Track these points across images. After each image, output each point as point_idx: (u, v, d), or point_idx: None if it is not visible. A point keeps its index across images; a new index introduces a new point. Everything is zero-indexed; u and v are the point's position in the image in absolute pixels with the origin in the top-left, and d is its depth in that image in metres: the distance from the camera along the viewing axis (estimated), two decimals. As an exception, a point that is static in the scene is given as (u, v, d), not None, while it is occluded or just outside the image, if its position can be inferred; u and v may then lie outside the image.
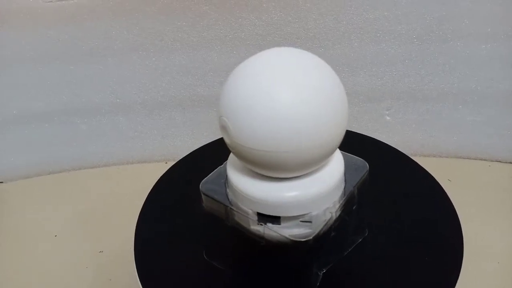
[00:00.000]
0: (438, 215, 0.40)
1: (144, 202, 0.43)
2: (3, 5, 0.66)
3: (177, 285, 0.35)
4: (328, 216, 0.31)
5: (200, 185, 0.33)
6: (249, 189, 0.30)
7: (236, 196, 0.32)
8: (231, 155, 0.34)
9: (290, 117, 0.27)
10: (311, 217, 0.30)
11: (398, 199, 0.42)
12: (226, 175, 0.34)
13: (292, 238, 0.30)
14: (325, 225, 0.30)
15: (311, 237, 0.29)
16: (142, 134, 0.77)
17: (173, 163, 0.49)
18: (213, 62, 0.71)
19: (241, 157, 0.30)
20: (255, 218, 0.31)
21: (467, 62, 0.68)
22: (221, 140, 0.52)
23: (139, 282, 0.35)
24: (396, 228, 0.39)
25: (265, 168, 0.30)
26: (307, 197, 0.30)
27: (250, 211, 0.31)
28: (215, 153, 0.51)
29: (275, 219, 0.30)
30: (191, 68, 0.72)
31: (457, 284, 0.34)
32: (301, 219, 0.30)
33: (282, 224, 0.30)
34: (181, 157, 0.50)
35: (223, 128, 0.29)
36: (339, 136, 0.29)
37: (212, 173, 0.34)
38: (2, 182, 0.77)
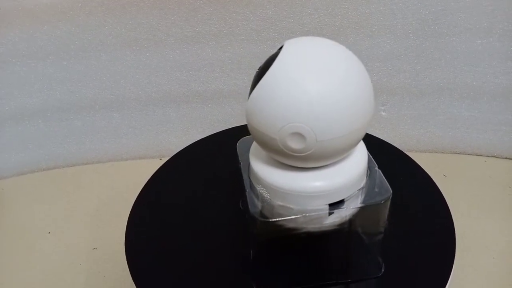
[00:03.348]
0: (430, 211, 0.40)
1: (137, 198, 0.43)
2: (-5, 1, 0.66)
3: (168, 281, 0.35)
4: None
5: (255, 215, 0.32)
6: (320, 185, 0.31)
7: (302, 201, 0.31)
8: (259, 170, 0.32)
9: (360, 98, 0.30)
10: (364, 184, 0.34)
11: (392, 195, 0.42)
12: (259, 190, 0.33)
13: (381, 201, 0.32)
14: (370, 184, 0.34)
15: (390, 191, 0.33)
16: (136, 130, 0.76)
17: (168, 159, 0.49)
18: (207, 57, 0.70)
19: (318, 155, 0.30)
20: (327, 210, 0.31)
21: (463, 57, 0.68)
22: (214, 136, 0.52)
23: (131, 278, 0.35)
24: (388, 223, 0.39)
25: (344, 152, 0.31)
26: (361, 169, 0.33)
27: (323, 206, 0.31)
28: (209, 148, 0.51)
29: (340, 203, 0.32)
30: (185, 64, 0.71)
31: (452, 279, 0.34)
32: (358, 189, 0.33)
33: (346, 203, 0.32)
34: (175, 153, 0.50)
35: (296, 134, 0.28)
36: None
37: (248, 199, 0.33)
38: (-5, 179, 0.77)
